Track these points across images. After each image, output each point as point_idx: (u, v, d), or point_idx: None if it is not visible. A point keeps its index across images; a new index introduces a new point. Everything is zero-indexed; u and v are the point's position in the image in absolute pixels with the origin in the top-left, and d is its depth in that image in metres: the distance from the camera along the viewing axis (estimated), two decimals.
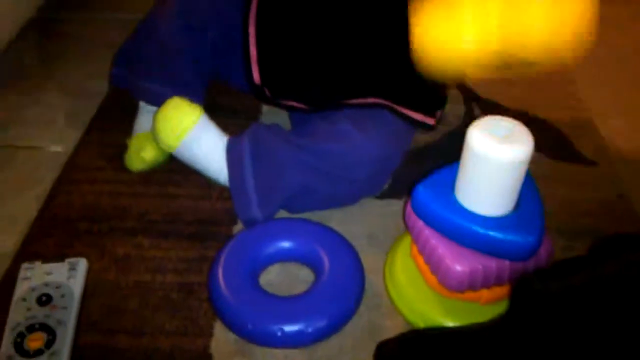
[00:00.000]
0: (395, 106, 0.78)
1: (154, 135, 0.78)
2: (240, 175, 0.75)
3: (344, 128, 0.74)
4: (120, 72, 0.88)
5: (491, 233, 0.58)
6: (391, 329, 0.66)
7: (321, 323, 0.64)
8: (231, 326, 0.66)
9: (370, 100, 0.77)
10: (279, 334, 0.63)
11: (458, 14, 0.60)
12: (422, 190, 0.62)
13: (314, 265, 0.70)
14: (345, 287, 0.67)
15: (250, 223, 0.75)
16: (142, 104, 0.87)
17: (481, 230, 0.58)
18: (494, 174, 0.56)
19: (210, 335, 0.67)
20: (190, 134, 0.76)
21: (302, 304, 0.65)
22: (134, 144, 0.84)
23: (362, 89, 0.77)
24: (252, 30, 0.82)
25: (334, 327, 0.65)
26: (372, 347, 0.62)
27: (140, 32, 0.87)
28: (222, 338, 0.66)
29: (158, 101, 0.79)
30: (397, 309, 0.68)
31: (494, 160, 0.55)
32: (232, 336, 0.66)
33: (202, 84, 0.86)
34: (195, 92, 0.83)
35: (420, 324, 0.65)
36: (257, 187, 0.74)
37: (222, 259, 0.69)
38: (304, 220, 0.76)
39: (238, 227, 0.77)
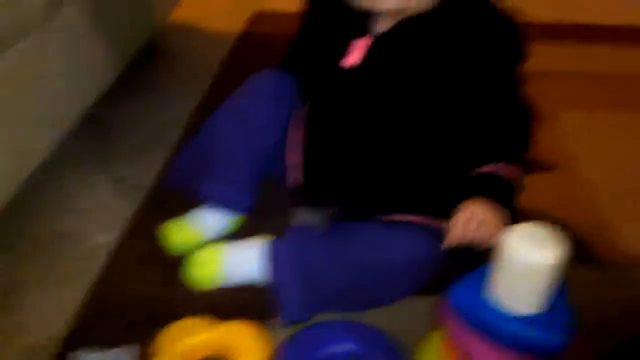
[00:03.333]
0: (430, 223, 0.80)
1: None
2: (283, 279, 0.79)
3: (379, 238, 0.78)
4: (177, 176, 0.96)
5: (525, 331, 0.62)
6: None
7: None
8: None
9: (405, 217, 0.80)
10: None
11: None
12: (458, 289, 0.66)
13: None
14: None
15: (290, 323, 0.79)
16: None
17: (515, 329, 0.62)
18: (530, 277, 0.61)
19: None
20: (223, 274, 0.83)
21: None
22: (173, 229, 0.91)
23: (399, 204, 0.81)
24: (298, 136, 0.88)
25: None
26: None
27: (204, 135, 0.93)
28: None
29: (219, 203, 0.89)
30: None
31: (531, 264, 0.60)
32: None
33: (257, 184, 0.92)
34: (251, 193, 0.91)
35: None
36: (299, 290, 0.78)
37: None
38: (356, 322, 0.79)
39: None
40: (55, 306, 0.84)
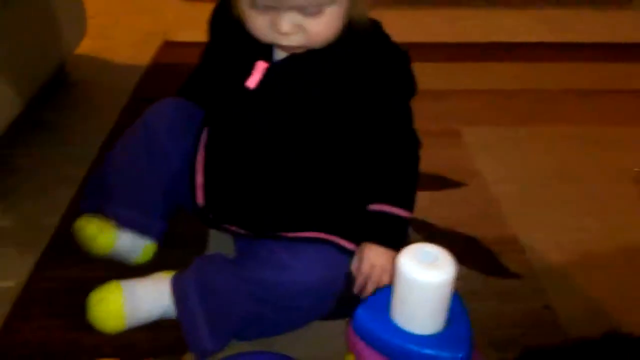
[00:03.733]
0: (331, 239, 0.81)
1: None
2: (189, 311, 0.79)
3: (282, 257, 0.78)
4: (88, 204, 0.94)
5: (424, 351, 0.63)
6: None
7: None
8: None
9: (308, 234, 0.81)
10: None
11: None
12: (361, 312, 0.67)
13: None
14: None
15: (202, 355, 0.78)
16: None
17: (415, 349, 0.63)
18: (422, 296, 0.63)
19: None
20: (126, 313, 0.81)
21: None
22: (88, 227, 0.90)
23: (300, 223, 0.82)
24: (200, 158, 0.88)
25: None
26: None
27: (109, 162, 0.92)
28: None
29: (128, 225, 0.89)
30: None
31: (421, 284, 0.62)
32: None
33: (168, 208, 0.92)
34: (161, 219, 0.91)
35: None
36: (207, 320, 0.78)
37: None
38: (267, 352, 0.78)
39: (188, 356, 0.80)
40: None
